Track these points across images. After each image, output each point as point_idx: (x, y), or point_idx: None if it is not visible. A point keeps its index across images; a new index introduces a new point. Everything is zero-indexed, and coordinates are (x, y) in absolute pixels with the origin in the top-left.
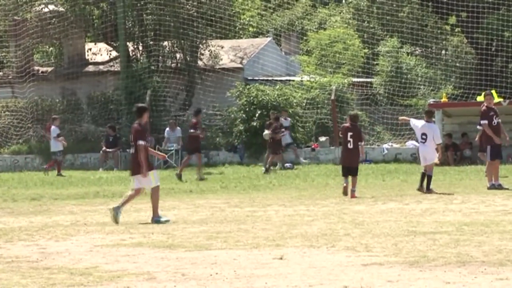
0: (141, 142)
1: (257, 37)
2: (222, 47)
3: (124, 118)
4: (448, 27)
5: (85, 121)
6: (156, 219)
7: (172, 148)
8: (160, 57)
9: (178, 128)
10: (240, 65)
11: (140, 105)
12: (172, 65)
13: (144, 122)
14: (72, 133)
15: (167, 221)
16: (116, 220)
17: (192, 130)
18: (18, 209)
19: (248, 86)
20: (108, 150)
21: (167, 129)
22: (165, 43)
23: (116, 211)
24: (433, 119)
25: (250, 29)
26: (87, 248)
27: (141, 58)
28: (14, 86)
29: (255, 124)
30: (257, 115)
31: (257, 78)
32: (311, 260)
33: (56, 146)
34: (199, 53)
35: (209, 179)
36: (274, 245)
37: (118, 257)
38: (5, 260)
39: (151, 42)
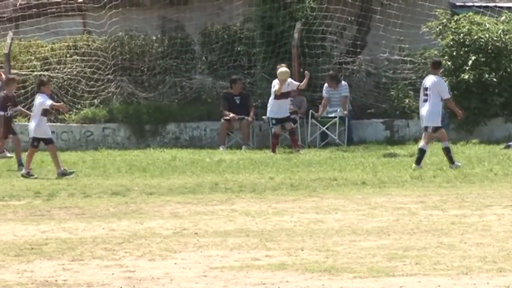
0: None
1: None
2: None
3: (259, 67)
4: None
5: (198, 71)
6: None
7: (333, 115)
8: None
9: (344, 83)
10: None
11: None
12: None
13: None
14: (178, 90)
15: None
16: None
17: None
18: (92, 210)
19: (456, 17)
20: (233, 117)
21: (326, 85)
22: None
23: None
24: None
25: None
26: (199, 271)
27: None
28: (87, 15)
29: (467, 77)
30: (470, 63)
31: (470, 4)
32: None
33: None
34: None
35: (392, 164)
36: (495, 269)
37: (248, 286)
38: None
39: None
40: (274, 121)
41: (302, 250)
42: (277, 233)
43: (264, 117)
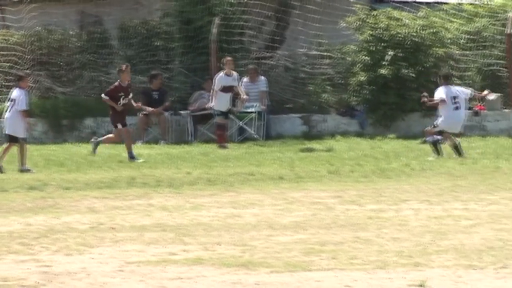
0: None
1: None
2: None
3: (177, 62)
4: None
5: (116, 66)
6: None
7: (252, 110)
8: None
9: (262, 77)
10: None
11: None
12: None
13: None
14: (95, 85)
15: None
16: None
17: None
18: (9, 204)
19: (374, 12)
20: (152, 110)
21: (245, 79)
22: None
23: None
24: None
25: None
26: (116, 266)
27: None
28: (5, 9)
29: (385, 72)
30: (388, 58)
31: (388, 0)
32: None
33: None
34: None
35: (310, 158)
36: (411, 264)
37: (164, 281)
38: None
39: None
40: (219, 112)
41: (219, 244)
42: (194, 227)
43: (181, 112)
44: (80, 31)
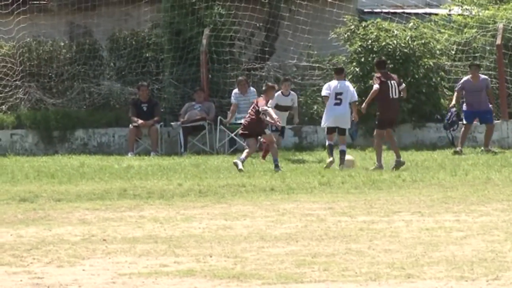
0: None
1: None
2: None
3: (167, 73)
4: None
5: (106, 77)
6: None
7: (242, 121)
8: None
9: (252, 89)
10: None
11: None
12: None
13: None
14: (86, 96)
15: None
16: None
17: None
18: (0, 216)
19: (364, 23)
20: (142, 123)
21: (235, 90)
22: None
23: None
24: None
25: None
26: (107, 278)
27: None
28: None
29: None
30: None
31: (378, 11)
32: None
33: None
34: None
35: (301, 170)
36: (403, 275)
37: None
38: None
39: None
40: (274, 128)
41: (211, 256)
42: (185, 239)
43: (172, 123)
44: (70, 42)
